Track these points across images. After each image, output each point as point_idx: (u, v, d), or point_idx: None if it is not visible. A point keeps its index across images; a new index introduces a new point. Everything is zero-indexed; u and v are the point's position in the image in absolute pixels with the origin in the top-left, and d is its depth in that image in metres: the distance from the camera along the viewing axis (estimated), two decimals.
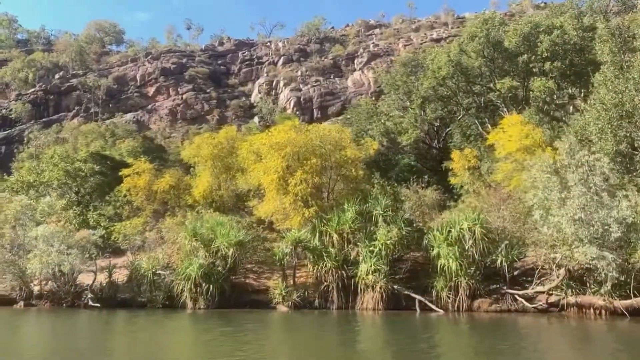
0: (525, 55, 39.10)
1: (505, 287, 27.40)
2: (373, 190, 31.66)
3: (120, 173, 40.65)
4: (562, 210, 21.93)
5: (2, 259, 32.49)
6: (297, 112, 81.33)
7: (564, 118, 39.92)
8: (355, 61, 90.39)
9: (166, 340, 21.03)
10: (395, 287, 28.19)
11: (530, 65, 39.12)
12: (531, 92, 38.68)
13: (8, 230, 33.14)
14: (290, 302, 29.32)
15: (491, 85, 43.33)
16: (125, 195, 40.05)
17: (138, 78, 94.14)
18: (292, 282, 30.58)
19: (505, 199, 28.58)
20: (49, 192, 44.56)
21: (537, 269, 26.52)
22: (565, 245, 23.59)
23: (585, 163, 22.15)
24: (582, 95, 38.02)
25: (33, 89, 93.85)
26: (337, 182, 33.18)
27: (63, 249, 31.65)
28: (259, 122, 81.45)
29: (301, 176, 30.34)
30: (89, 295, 32.03)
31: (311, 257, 29.85)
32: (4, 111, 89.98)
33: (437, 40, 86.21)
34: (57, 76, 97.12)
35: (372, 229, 29.27)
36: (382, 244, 28.02)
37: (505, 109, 42.80)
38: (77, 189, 46.25)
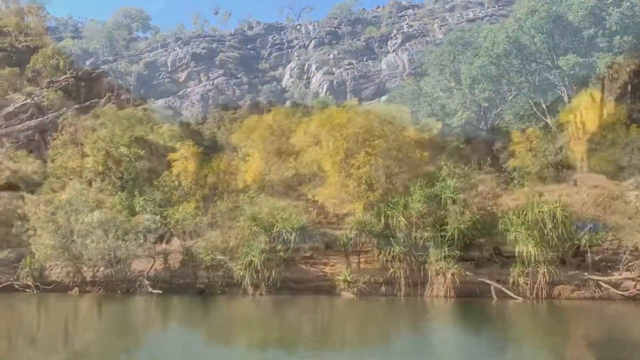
0: (592, 29, 37.00)
1: (586, 273, 25.98)
2: (440, 173, 30.21)
3: (168, 158, 39.79)
4: None
5: (57, 245, 31.92)
6: (330, 96, 79.82)
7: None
8: (389, 43, 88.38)
9: (261, 325, 20.44)
10: (468, 273, 26.95)
11: (597, 40, 37.03)
12: (597, 69, 36.64)
13: (62, 215, 32.49)
14: (355, 289, 28.27)
15: (548, 62, 41.32)
16: (173, 180, 39.19)
17: (169, 64, 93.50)
18: (356, 268, 29.51)
19: (583, 180, 27.01)
20: (93, 177, 43.86)
21: (625, 253, 25.00)
22: None
23: None
24: None
25: (64, 76, 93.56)
26: (397, 165, 31.82)
27: (120, 235, 30.98)
28: (292, 106, 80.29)
29: (365, 158, 29.07)
30: (146, 282, 31.34)
31: (377, 242, 28.69)
32: (36, 99, 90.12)
33: (474, 20, 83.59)
34: (87, 62, 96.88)
35: (441, 213, 27.95)
36: (454, 229, 26.73)
37: (563, 88, 40.88)
38: (120, 174, 45.53)
